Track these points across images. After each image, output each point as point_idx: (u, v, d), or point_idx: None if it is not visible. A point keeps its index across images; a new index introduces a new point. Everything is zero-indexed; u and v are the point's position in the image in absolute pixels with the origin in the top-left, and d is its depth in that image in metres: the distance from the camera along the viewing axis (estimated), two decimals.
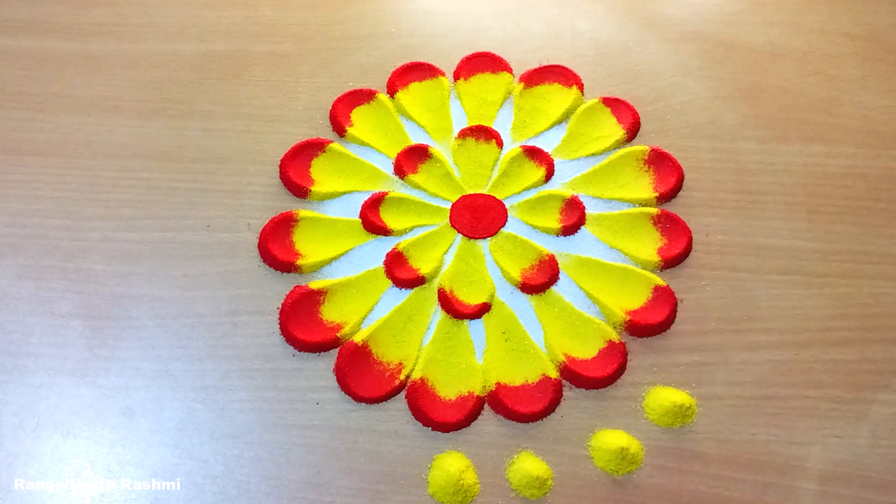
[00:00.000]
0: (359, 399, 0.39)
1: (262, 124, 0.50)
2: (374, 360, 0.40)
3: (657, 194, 0.46)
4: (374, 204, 0.46)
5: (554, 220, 0.45)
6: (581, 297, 0.43)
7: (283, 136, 0.49)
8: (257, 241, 0.45)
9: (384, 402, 0.39)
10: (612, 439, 0.37)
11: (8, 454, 0.38)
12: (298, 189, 0.46)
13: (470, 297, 0.42)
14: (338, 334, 0.41)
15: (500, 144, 0.48)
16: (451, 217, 0.46)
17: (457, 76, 0.52)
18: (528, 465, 0.37)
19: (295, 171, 0.47)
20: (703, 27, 0.55)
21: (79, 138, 0.50)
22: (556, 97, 0.51)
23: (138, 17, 0.56)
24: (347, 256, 0.44)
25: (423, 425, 0.38)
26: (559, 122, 0.50)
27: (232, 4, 0.57)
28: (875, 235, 0.44)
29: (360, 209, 0.46)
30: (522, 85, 0.51)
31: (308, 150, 0.48)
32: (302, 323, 0.41)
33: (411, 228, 0.45)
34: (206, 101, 0.51)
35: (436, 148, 0.48)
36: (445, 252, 0.44)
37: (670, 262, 0.44)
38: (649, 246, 0.44)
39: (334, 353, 0.41)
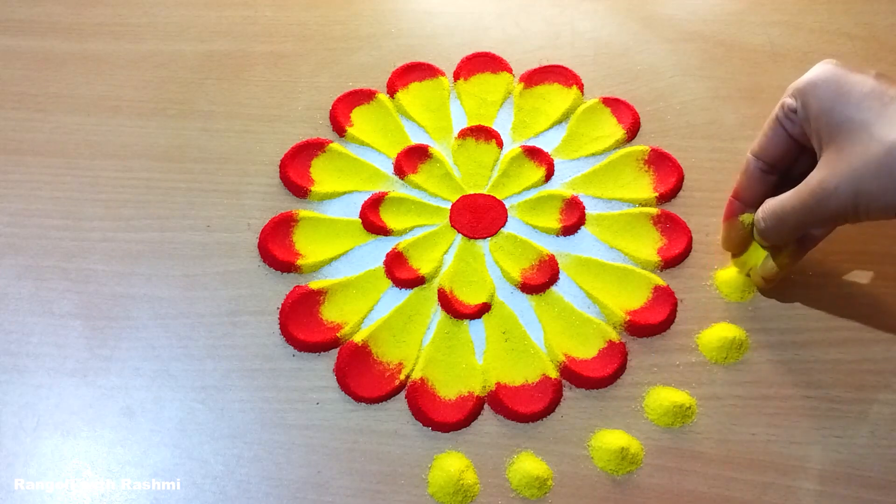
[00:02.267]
0: (359, 399, 0.39)
1: (262, 124, 0.50)
2: (374, 360, 0.40)
3: (657, 194, 0.46)
4: (374, 204, 0.46)
5: (554, 220, 0.45)
6: (581, 297, 0.43)
7: (283, 136, 0.49)
8: (257, 241, 0.45)
9: (384, 402, 0.39)
10: (612, 439, 0.37)
11: (8, 454, 0.38)
12: (298, 189, 0.46)
13: (470, 297, 0.42)
14: (338, 334, 0.41)
15: (500, 144, 0.48)
16: (451, 217, 0.46)
17: (457, 76, 0.52)
18: (528, 465, 0.37)
19: (295, 171, 0.47)
20: (703, 27, 0.55)
21: (79, 138, 0.50)
22: (556, 97, 0.51)
23: (138, 17, 0.56)
24: (347, 256, 0.44)
25: (423, 425, 0.38)
26: (559, 122, 0.50)
27: (232, 4, 0.57)
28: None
29: (360, 209, 0.46)
30: (522, 85, 0.51)
31: (308, 150, 0.48)
32: (302, 323, 0.41)
33: (411, 228, 0.45)
34: (206, 101, 0.51)
35: (436, 148, 0.48)
36: (445, 252, 0.44)
37: (670, 262, 0.44)
38: (649, 246, 0.44)
39: (334, 353, 0.41)
